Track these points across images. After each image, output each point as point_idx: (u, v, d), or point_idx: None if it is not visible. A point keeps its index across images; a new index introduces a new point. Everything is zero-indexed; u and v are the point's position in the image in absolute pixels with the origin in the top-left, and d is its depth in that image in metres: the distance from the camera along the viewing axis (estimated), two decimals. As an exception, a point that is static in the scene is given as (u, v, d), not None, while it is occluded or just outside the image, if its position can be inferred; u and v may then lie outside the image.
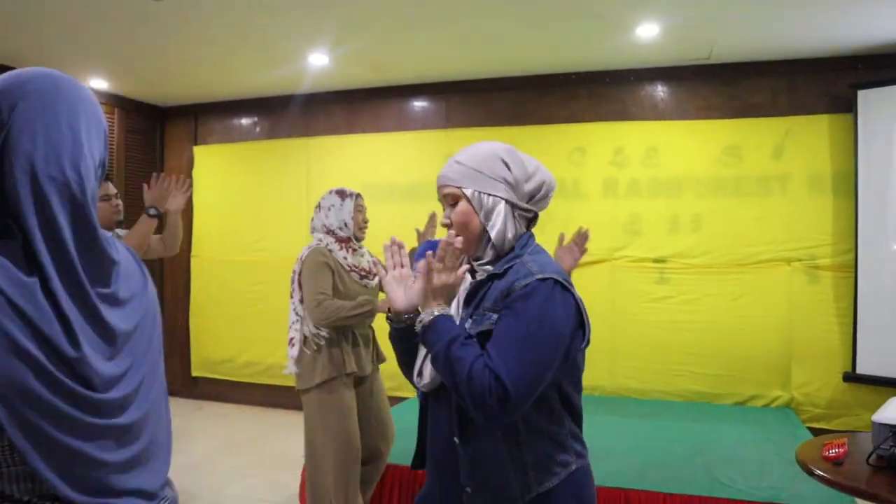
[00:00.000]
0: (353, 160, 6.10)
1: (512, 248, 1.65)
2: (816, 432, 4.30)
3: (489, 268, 1.64)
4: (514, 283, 1.54)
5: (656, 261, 5.25)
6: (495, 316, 1.55)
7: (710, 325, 5.10)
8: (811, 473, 1.93)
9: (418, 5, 4.10)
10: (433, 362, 1.56)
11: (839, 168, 4.88)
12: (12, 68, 3.84)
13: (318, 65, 5.30)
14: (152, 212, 3.36)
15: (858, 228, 4.72)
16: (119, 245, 1.17)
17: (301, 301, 3.16)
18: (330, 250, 3.16)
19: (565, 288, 1.55)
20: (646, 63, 5.22)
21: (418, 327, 1.58)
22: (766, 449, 3.90)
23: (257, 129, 6.59)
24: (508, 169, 1.64)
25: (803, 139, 4.98)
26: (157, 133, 6.89)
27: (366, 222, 3.31)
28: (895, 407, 2.07)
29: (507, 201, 1.63)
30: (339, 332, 3.15)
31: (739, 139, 5.11)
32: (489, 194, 1.62)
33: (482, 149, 1.67)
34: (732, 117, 5.16)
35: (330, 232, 3.22)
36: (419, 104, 6.02)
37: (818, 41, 4.67)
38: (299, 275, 3.18)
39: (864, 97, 4.70)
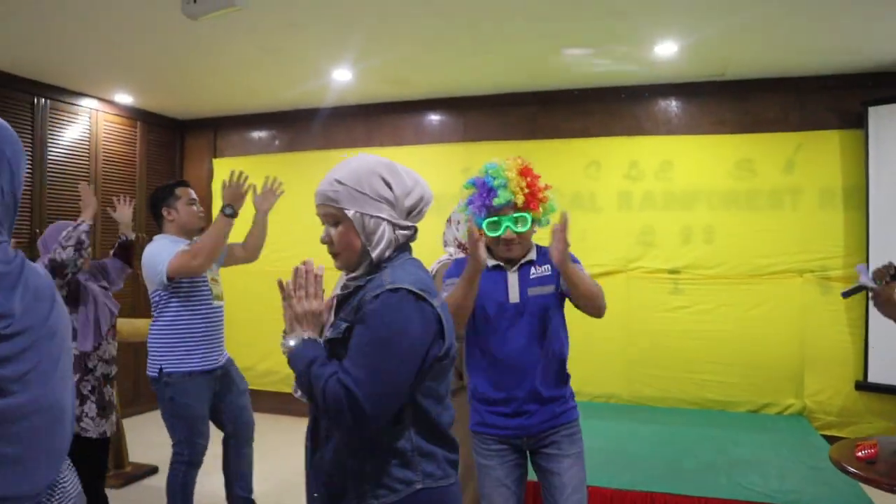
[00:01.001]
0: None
1: (380, 262, 1.64)
2: (829, 440, 4.41)
3: (355, 281, 1.65)
4: (365, 295, 1.54)
5: (671, 272, 5.38)
6: (344, 325, 1.56)
7: (724, 335, 5.22)
8: (846, 472, 2.04)
9: (440, 22, 4.23)
10: (299, 384, 1.58)
11: (850, 182, 5.01)
12: (41, 83, 4.09)
13: (341, 80, 5.44)
14: (228, 210, 3.27)
15: (869, 241, 4.85)
16: (33, 268, 1.40)
17: None
18: None
19: (420, 298, 1.53)
20: (660, 79, 5.37)
21: (284, 352, 1.59)
22: (783, 454, 4.01)
23: (276, 143, 6.72)
24: (390, 188, 1.62)
25: (814, 154, 5.11)
26: (177, 146, 7.03)
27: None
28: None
29: (388, 221, 1.62)
30: None
31: (752, 153, 5.25)
32: (371, 216, 1.61)
33: (363, 166, 1.64)
34: (745, 132, 5.30)
35: (461, 246, 3.21)
36: (437, 118, 6.16)
37: (830, 59, 4.81)
38: None
39: (875, 113, 4.84)
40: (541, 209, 2.34)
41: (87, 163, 5.91)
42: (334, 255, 1.68)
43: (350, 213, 1.60)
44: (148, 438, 5.22)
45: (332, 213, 1.64)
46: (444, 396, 1.61)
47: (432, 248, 6.25)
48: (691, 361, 5.30)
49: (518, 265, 2.42)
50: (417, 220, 1.71)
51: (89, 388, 3.36)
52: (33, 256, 3.83)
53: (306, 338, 1.57)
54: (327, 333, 1.62)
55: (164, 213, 3.52)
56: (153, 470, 4.75)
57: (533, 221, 2.37)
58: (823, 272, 5.08)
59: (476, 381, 2.44)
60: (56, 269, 3.13)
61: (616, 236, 5.46)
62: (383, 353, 1.47)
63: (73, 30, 4.34)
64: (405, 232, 1.67)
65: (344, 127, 6.38)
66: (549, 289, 2.39)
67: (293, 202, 6.51)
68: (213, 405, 3.45)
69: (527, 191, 2.30)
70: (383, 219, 1.61)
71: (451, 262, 3.02)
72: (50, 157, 5.55)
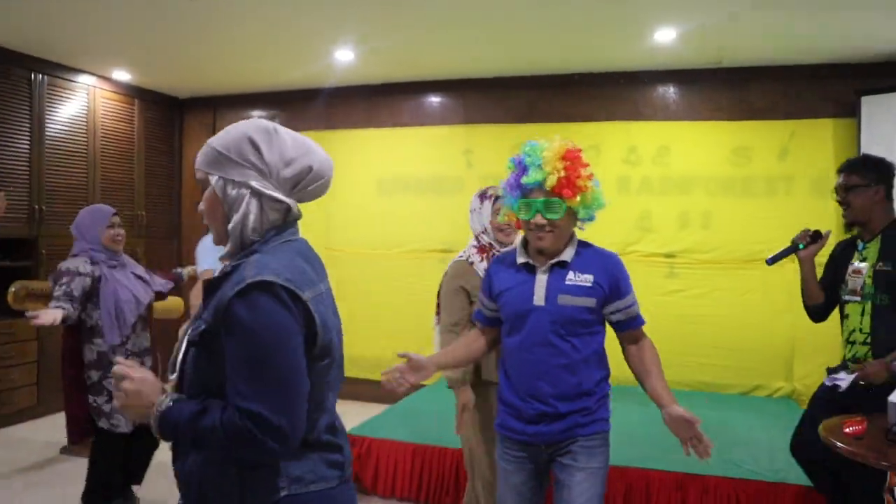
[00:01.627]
0: (371, 154, 6.27)
1: (253, 243, 1.45)
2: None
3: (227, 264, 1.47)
4: (228, 291, 1.35)
5: (667, 256, 5.47)
6: (203, 327, 1.39)
7: (718, 319, 5.32)
8: (834, 447, 2.13)
9: (442, 5, 4.26)
10: (197, 449, 1.41)
11: (843, 170, 5.09)
12: (40, 59, 4.19)
13: (343, 60, 5.46)
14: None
15: (860, 228, 4.93)
16: None
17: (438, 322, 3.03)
18: (471, 262, 2.90)
19: (286, 290, 1.34)
20: (659, 65, 5.43)
21: (155, 431, 1.40)
22: (773, 434, 4.11)
23: (276, 122, 6.72)
24: (259, 152, 1.43)
25: (808, 142, 5.20)
26: (176, 124, 7.03)
27: (508, 225, 2.88)
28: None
29: (254, 191, 1.43)
30: None
31: (748, 140, 5.33)
32: (234, 181, 1.43)
33: (239, 128, 1.47)
34: (741, 119, 5.37)
35: (476, 239, 2.98)
36: (437, 100, 6.20)
37: (825, 48, 4.89)
38: (440, 289, 3.01)
39: (868, 103, 4.92)
40: (579, 199, 2.07)
41: (84, 139, 5.92)
42: (208, 227, 1.54)
43: (213, 178, 1.44)
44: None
45: (201, 179, 1.48)
46: (322, 400, 1.44)
47: (406, 227, 6.24)
48: (685, 344, 5.39)
49: (550, 265, 2.16)
50: (308, 198, 1.52)
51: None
52: (32, 234, 3.85)
53: (163, 408, 1.38)
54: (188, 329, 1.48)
55: None
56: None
57: (569, 212, 2.11)
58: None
59: (501, 381, 2.28)
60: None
61: (614, 220, 5.52)
62: (271, 365, 1.31)
63: (71, 5, 4.33)
64: (278, 206, 1.47)
65: (344, 107, 6.40)
66: (585, 302, 2.13)
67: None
68: None
69: (562, 174, 2.04)
70: (249, 187, 1.43)
71: (463, 264, 2.89)
72: (49, 134, 5.56)
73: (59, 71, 5.65)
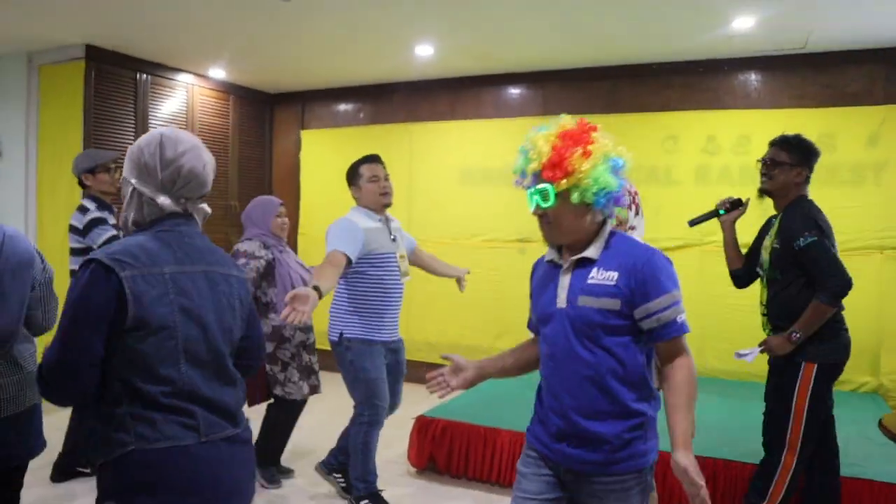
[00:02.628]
0: (453, 145, 6.43)
1: (136, 232, 1.72)
2: (904, 417, 4.39)
3: None
4: None
5: (745, 246, 5.37)
6: None
7: (799, 310, 5.21)
8: (892, 438, 2.14)
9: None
10: None
11: (936, 157, 4.90)
12: (144, 60, 4.48)
13: (423, 55, 5.64)
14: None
15: (954, 217, 4.75)
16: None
17: None
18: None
19: (107, 268, 1.56)
20: (739, 53, 5.34)
21: None
22: (850, 430, 4.02)
23: (361, 115, 6.98)
24: (142, 157, 1.69)
25: (900, 128, 5.01)
26: (267, 117, 7.39)
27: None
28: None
29: (135, 188, 1.70)
30: None
31: (833, 127, 5.18)
32: (126, 180, 1.72)
33: (142, 136, 1.77)
34: (827, 106, 5.22)
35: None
36: (517, 91, 6.29)
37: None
38: None
39: (965, 87, 4.71)
40: (565, 182, 1.86)
41: (185, 134, 6.31)
42: None
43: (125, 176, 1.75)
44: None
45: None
46: (151, 368, 1.59)
47: (487, 217, 6.35)
48: (763, 336, 5.30)
49: (572, 263, 1.96)
50: (190, 195, 1.74)
51: (289, 355, 3.82)
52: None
53: None
54: None
55: (353, 191, 3.70)
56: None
57: (565, 197, 1.89)
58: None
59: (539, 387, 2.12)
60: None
61: (692, 210, 5.38)
62: (66, 324, 1.55)
63: (171, 11, 4.67)
64: (154, 203, 1.70)
65: (427, 100, 6.58)
66: (608, 304, 1.88)
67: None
68: None
69: (546, 156, 1.87)
70: (131, 183, 1.70)
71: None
72: (152, 128, 5.98)
73: (161, 70, 6.06)
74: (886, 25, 4.64)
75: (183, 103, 6.32)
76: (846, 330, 3.09)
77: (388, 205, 3.64)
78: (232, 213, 6.85)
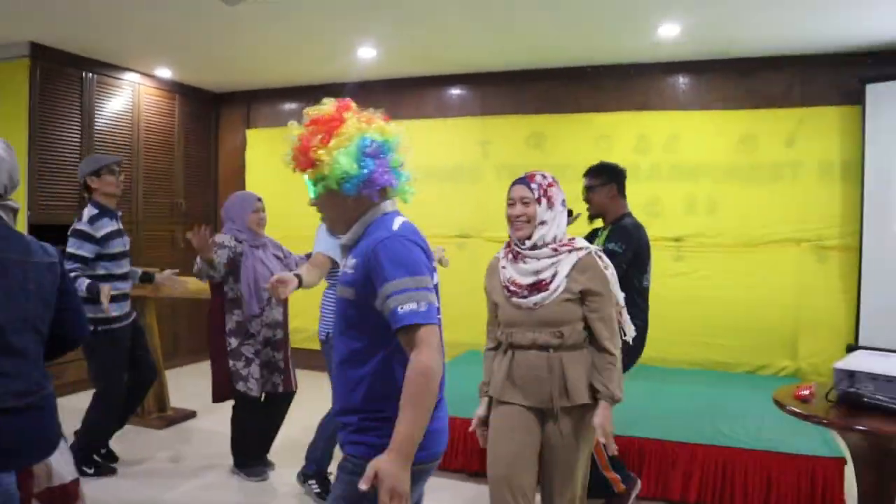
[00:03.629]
0: (395, 144, 6.57)
1: None
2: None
3: None
4: None
5: (675, 240, 5.69)
6: None
7: (724, 300, 5.54)
8: (783, 408, 2.39)
9: (455, 5, 4.54)
10: None
11: (847, 157, 5.26)
12: (90, 59, 4.62)
13: (366, 57, 5.79)
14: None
15: (863, 213, 5.11)
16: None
17: None
18: (498, 258, 2.82)
19: None
20: (668, 57, 5.63)
21: None
22: (768, 409, 4.27)
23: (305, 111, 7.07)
24: None
25: (815, 129, 5.36)
26: (213, 117, 7.44)
27: (513, 217, 2.74)
28: (853, 357, 2.54)
29: None
30: None
31: (755, 129, 5.51)
32: None
33: None
34: (749, 108, 5.55)
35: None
36: (457, 92, 6.49)
37: (831, 37, 5.01)
38: None
39: (873, 91, 5.07)
40: (310, 171, 1.85)
41: (129, 132, 6.34)
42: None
43: None
44: (186, 388, 5.70)
45: None
46: None
47: (429, 214, 6.52)
48: (692, 325, 5.62)
49: (344, 252, 1.94)
50: (10, 192, 2.10)
51: (252, 351, 3.86)
52: (65, 223, 4.28)
53: None
54: None
55: None
56: (192, 414, 5.22)
57: (321, 185, 1.87)
58: (819, 241, 5.36)
59: None
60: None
61: (624, 206, 5.76)
62: None
63: (118, 11, 4.71)
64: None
65: (369, 101, 6.53)
66: (345, 292, 1.85)
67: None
68: None
69: (294, 149, 1.88)
70: None
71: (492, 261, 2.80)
72: (97, 127, 5.99)
73: (107, 69, 6.08)
74: (801, 34, 4.96)
75: (129, 102, 6.34)
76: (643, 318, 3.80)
77: None
78: (178, 211, 6.89)
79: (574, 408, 2.50)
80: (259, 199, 4.03)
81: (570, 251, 2.53)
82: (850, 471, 3.38)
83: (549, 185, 2.59)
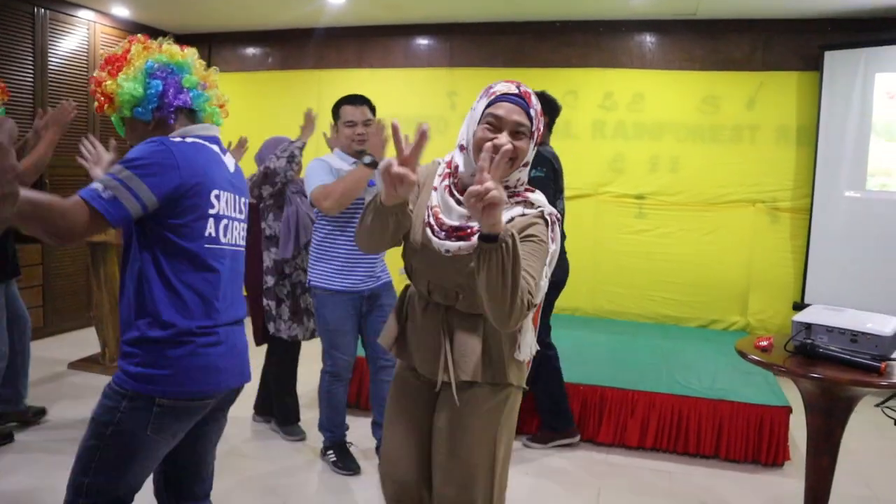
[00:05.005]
0: (361, 93, 6.51)
1: None
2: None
3: None
4: None
5: (636, 197, 5.83)
6: None
7: (681, 257, 5.73)
8: (745, 357, 2.54)
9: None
10: None
11: (803, 121, 5.44)
12: None
13: (335, 3, 5.70)
14: (368, 160, 3.12)
15: (816, 176, 5.31)
16: None
17: None
18: None
19: None
20: (636, 15, 5.69)
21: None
22: (720, 361, 4.54)
23: (269, 60, 6.96)
24: None
25: (774, 93, 5.51)
26: (172, 59, 7.23)
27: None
28: (810, 310, 2.70)
29: None
30: None
31: (718, 90, 5.64)
32: None
33: None
34: (713, 69, 5.67)
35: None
36: (425, 42, 6.44)
37: (794, 3, 5.12)
38: None
39: (830, 58, 5.22)
40: (109, 107, 1.88)
41: (85, 73, 6.14)
42: None
43: None
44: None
45: None
46: None
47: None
48: (650, 280, 5.81)
49: None
50: None
51: (285, 292, 3.76)
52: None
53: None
54: None
55: (331, 129, 3.54)
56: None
57: (118, 116, 1.91)
58: (773, 203, 5.56)
59: None
60: (268, 174, 3.59)
61: (588, 162, 5.87)
62: None
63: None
64: None
65: (336, 48, 6.63)
66: None
67: (286, 119, 6.82)
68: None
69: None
70: None
71: None
72: (51, 67, 5.79)
73: (60, 6, 5.85)
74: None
75: (84, 41, 6.13)
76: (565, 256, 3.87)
77: (362, 151, 3.28)
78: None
79: (469, 388, 1.92)
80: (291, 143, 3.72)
81: (519, 203, 1.86)
82: (794, 419, 3.65)
83: (541, 113, 1.86)
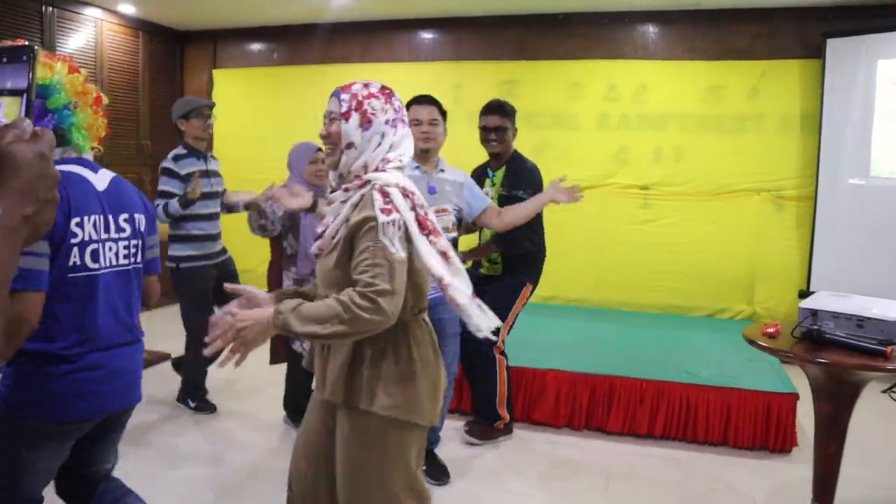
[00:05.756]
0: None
1: None
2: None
3: None
4: None
5: (641, 188, 5.87)
6: None
7: (687, 247, 5.77)
8: (753, 344, 2.58)
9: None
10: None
11: (806, 110, 5.46)
12: None
13: (340, -2, 5.74)
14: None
15: (820, 164, 5.34)
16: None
17: None
18: None
19: None
20: (640, 6, 5.71)
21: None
22: (728, 350, 4.59)
23: (275, 56, 7.00)
24: None
25: (777, 82, 5.54)
26: (178, 56, 7.28)
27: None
28: (816, 297, 2.74)
29: None
30: None
31: (721, 80, 5.66)
32: None
33: None
34: (715, 59, 5.69)
35: None
36: (431, 37, 6.47)
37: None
38: None
39: (833, 45, 5.24)
40: None
41: (93, 71, 6.18)
42: None
43: None
44: (160, 331, 5.72)
45: None
46: None
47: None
48: (655, 270, 5.85)
49: None
50: None
51: None
52: None
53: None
54: None
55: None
56: (165, 356, 5.26)
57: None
58: (777, 191, 5.59)
59: None
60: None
61: (593, 154, 5.91)
62: None
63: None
64: None
65: (341, 43, 6.67)
66: None
67: (290, 114, 6.87)
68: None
69: None
70: None
71: None
72: (60, 65, 5.83)
73: (67, 4, 5.89)
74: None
75: (91, 39, 6.18)
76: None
77: (426, 150, 3.18)
78: (144, 153, 6.80)
79: (353, 411, 1.81)
80: (318, 150, 3.61)
81: (359, 188, 1.83)
82: (801, 405, 3.69)
83: (370, 96, 1.88)
